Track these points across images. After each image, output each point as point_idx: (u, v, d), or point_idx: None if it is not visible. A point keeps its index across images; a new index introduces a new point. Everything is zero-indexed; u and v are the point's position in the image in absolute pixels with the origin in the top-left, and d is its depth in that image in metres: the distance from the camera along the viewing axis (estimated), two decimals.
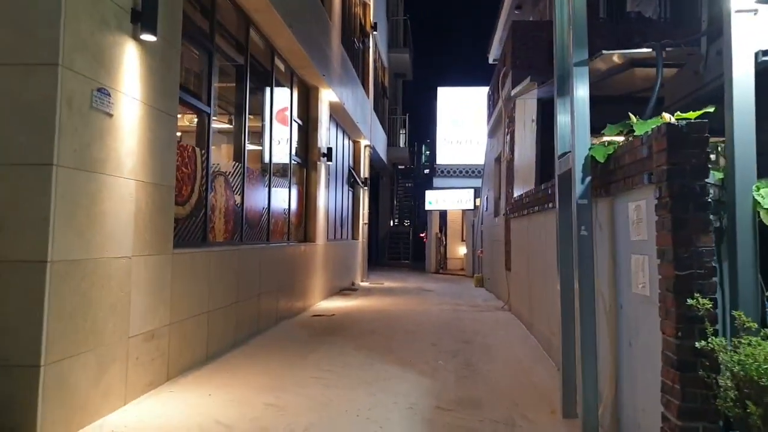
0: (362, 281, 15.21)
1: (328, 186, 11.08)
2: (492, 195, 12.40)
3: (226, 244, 6.13)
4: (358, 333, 6.85)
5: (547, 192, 5.38)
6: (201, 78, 5.76)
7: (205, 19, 5.69)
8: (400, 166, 25.94)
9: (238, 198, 6.58)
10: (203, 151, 5.54)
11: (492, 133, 12.41)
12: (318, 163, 9.99)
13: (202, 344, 5.13)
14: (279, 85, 8.25)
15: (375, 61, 17.70)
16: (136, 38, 3.95)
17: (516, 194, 8.29)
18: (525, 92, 7.42)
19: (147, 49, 4.09)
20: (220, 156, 6.39)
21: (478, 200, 19.32)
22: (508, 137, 9.26)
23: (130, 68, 3.90)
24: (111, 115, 3.69)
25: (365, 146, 15.60)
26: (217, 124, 8.03)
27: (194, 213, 5.34)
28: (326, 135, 10.74)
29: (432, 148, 23.11)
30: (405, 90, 25.46)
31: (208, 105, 5.67)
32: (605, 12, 9.97)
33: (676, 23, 8.73)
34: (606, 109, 4.45)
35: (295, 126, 9.00)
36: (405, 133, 21.18)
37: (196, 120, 5.94)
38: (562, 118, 4.08)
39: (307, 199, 9.87)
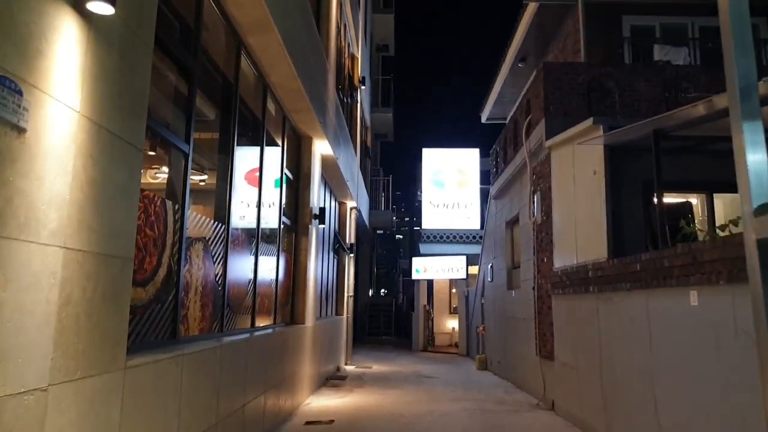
0: (347, 364, 13.23)
1: (318, 254, 9.39)
2: (503, 264, 10.90)
3: (204, 338, 4.34)
4: None
5: (662, 264, 3.88)
6: (177, 103, 4.17)
7: (186, 25, 4.18)
8: (379, 232, 24.44)
9: (219, 269, 4.85)
10: (177, 207, 3.87)
11: (501, 194, 11.10)
12: (309, 226, 8.35)
13: None
14: (269, 133, 6.72)
15: (361, 118, 16.55)
16: (80, 11, 2.37)
17: (559, 265, 6.79)
18: (576, 139, 6.10)
19: (99, 32, 2.50)
20: (197, 216, 4.69)
21: (471, 268, 17.86)
22: (537, 196, 7.90)
23: (66, 59, 2.29)
24: (22, 131, 2.04)
25: (351, 209, 14.07)
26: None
27: (160, 296, 3.60)
28: (318, 193, 9.18)
29: (417, 212, 21.78)
30: (384, 152, 24.42)
31: (187, 142, 4.05)
32: (630, 61, 9.04)
33: (708, 69, 7.81)
34: None
35: (284, 181, 7.41)
36: (388, 197, 19.79)
37: (165, 169, 4.28)
38: (753, 156, 2.65)
39: (295, 270, 8.14)
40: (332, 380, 10.28)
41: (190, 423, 3.58)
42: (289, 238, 8.09)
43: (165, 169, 4.25)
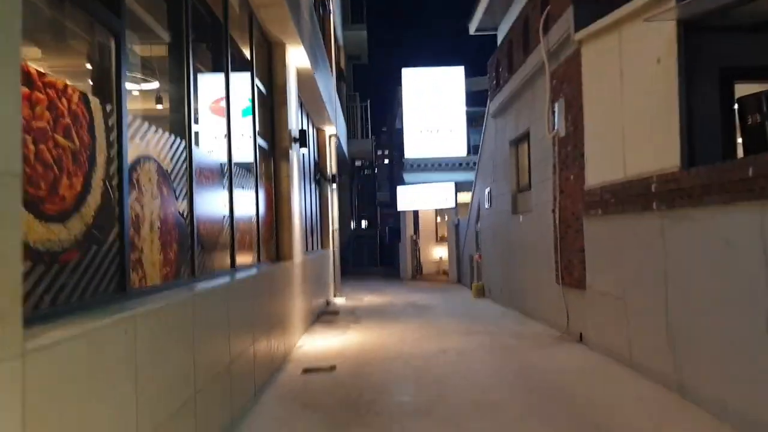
0: (336, 297, 12.48)
1: (301, 183, 8.30)
2: (505, 188, 9.97)
3: (168, 288, 3.31)
4: (400, 414, 4.20)
5: None
6: None
7: None
8: (357, 163, 23.27)
9: (183, 198, 3.76)
10: (109, 108, 2.71)
11: (502, 110, 9.98)
12: (289, 151, 7.21)
13: None
14: (233, 41, 5.41)
15: (334, 35, 14.95)
16: None
17: (595, 181, 5.84)
18: (626, 23, 4.98)
19: None
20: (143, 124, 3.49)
21: (460, 196, 17.01)
22: (559, 105, 6.81)
23: None
24: None
25: (331, 136, 12.85)
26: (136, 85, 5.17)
27: (93, 235, 2.52)
28: (296, 113, 7.96)
29: (398, 139, 20.60)
30: (358, 77, 22.81)
31: (118, 15, 2.83)
32: None
33: None
34: None
35: (256, 94, 6.19)
36: (366, 125, 18.42)
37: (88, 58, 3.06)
38: None
39: (277, 201, 7.07)
40: (325, 315, 9.49)
41: (156, 403, 2.61)
42: (268, 164, 6.96)
43: (90, 61, 3.05)
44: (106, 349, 2.17)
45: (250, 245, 5.76)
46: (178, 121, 3.94)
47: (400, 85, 19.13)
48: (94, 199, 2.51)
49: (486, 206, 11.53)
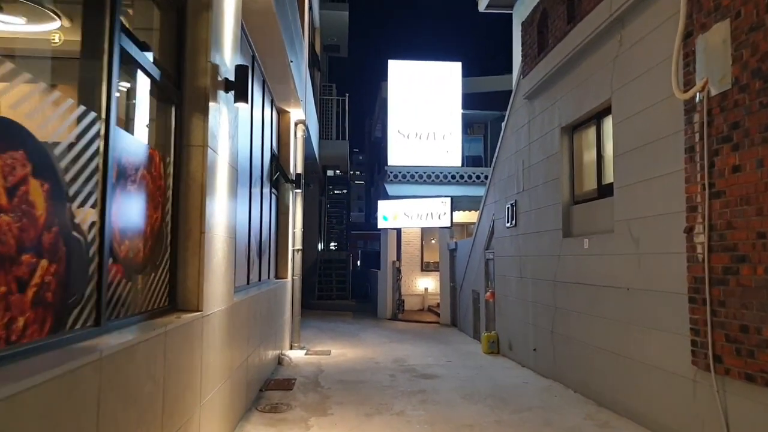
0: (293, 348, 8.95)
1: (239, 174, 4.85)
2: (548, 198, 6.75)
3: None
4: None
5: None
6: None
7: None
8: (329, 172, 19.87)
9: None
10: None
11: (548, 85, 6.78)
12: (210, 101, 3.80)
13: None
14: None
15: (308, 8, 11.69)
16: None
17: None
18: None
19: None
20: None
21: (457, 215, 13.79)
22: (704, 42, 3.66)
23: None
24: None
25: (298, 123, 9.47)
26: None
27: None
28: (234, 36, 4.52)
29: (381, 145, 17.36)
30: (335, 71, 19.56)
31: None
32: None
33: None
34: None
35: None
36: (343, 124, 14.98)
37: None
38: None
39: (179, 194, 3.62)
40: (271, 391, 5.97)
41: None
42: (165, 117, 3.55)
43: None
44: None
45: (124, 287, 2.34)
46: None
47: (385, 80, 15.97)
48: None
49: (507, 225, 8.28)
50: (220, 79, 4.01)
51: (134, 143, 2.97)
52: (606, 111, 5.49)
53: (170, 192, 3.54)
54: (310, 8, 12.99)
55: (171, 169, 3.55)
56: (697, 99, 3.76)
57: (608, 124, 5.46)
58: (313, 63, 13.98)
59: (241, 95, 4.21)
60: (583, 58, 5.86)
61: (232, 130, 4.46)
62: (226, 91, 4.15)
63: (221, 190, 4.06)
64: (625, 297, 4.88)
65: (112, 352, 2.26)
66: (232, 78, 4.23)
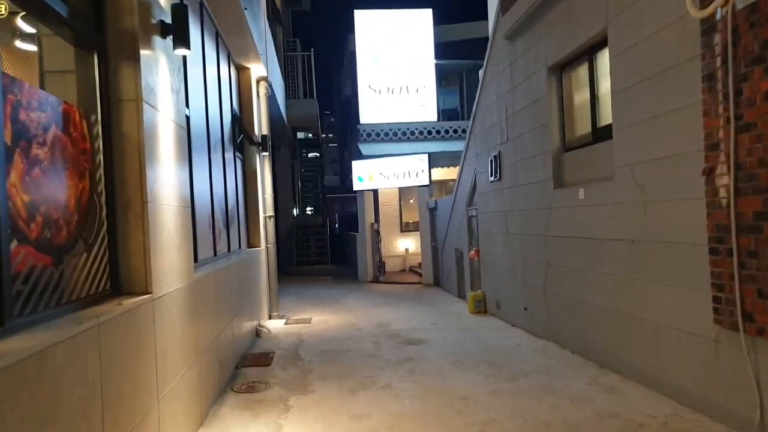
0: (274, 317, 8.51)
1: (183, 126, 4.23)
2: (535, 147, 6.28)
3: None
4: None
5: None
6: None
7: None
8: (300, 134, 19.07)
9: None
10: None
11: (533, 20, 6.20)
12: (150, 37, 3.16)
13: None
14: None
15: None
16: None
17: None
18: None
19: None
20: None
21: (435, 171, 13.32)
22: None
23: None
24: None
25: (260, 80, 8.74)
26: None
27: None
28: None
29: (352, 103, 16.61)
30: (297, 25, 18.51)
31: None
32: None
33: None
34: None
35: None
36: (311, 81, 14.15)
37: None
38: None
39: (112, 160, 3.02)
40: (247, 368, 5.51)
41: None
42: (84, 69, 2.91)
43: None
44: None
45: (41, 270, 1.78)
46: None
47: (352, 32, 15.11)
48: None
49: (491, 179, 7.82)
50: (154, 22, 3.36)
51: (38, 96, 2.35)
52: (601, 44, 4.96)
53: (100, 156, 2.94)
54: None
55: (98, 129, 2.93)
56: (718, 16, 3.26)
57: (604, 58, 4.94)
58: (274, 17, 13.06)
59: (181, 40, 3.57)
60: None
61: (176, 83, 3.83)
62: (163, 36, 3.50)
63: (167, 153, 3.47)
64: (629, 250, 4.48)
65: (13, 361, 1.73)
66: (169, 21, 3.57)
